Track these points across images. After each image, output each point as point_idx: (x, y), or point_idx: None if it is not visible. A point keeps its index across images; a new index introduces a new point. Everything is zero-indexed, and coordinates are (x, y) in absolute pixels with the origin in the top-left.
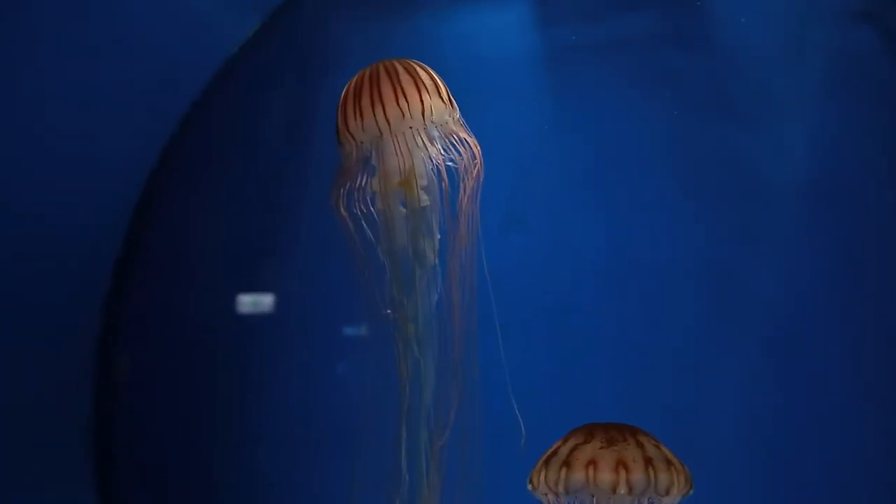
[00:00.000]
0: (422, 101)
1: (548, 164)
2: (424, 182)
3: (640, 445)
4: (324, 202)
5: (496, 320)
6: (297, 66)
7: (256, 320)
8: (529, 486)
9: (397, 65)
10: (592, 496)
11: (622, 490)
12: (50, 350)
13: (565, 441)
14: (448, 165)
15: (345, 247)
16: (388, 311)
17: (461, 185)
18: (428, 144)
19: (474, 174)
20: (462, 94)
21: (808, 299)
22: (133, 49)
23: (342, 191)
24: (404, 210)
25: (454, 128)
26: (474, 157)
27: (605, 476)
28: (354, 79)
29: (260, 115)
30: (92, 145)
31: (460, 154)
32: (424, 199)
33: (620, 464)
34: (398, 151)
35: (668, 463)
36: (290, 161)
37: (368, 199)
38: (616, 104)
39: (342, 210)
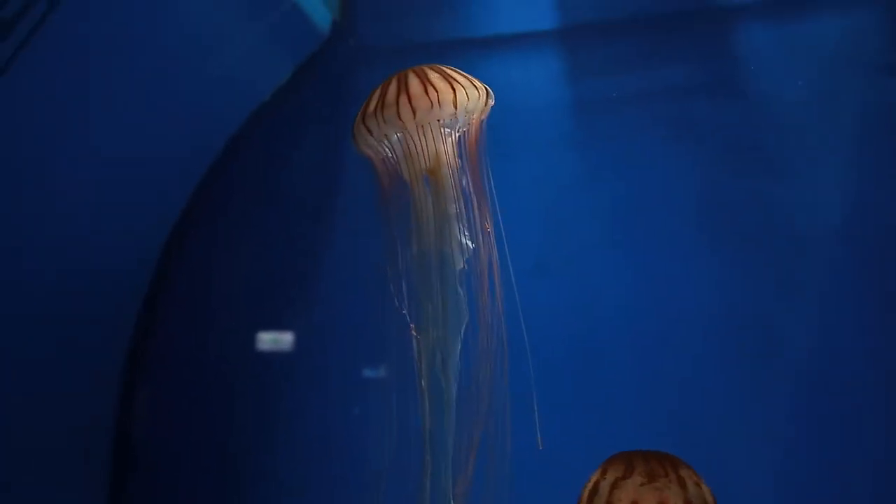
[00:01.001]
0: (454, 89)
1: (576, 213)
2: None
3: (681, 483)
4: (349, 247)
5: (531, 371)
6: (329, 113)
7: (278, 361)
8: None
9: (426, 67)
10: None
11: None
12: (74, 387)
13: (604, 474)
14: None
15: (368, 290)
16: (414, 331)
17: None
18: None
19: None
20: (492, 144)
21: (842, 348)
22: (168, 94)
23: (387, 192)
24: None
25: (481, 116)
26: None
27: None
28: (381, 84)
29: (289, 160)
30: (124, 187)
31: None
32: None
33: None
34: (424, 142)
35: None
36: (317, 206)
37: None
38: (645, 154)
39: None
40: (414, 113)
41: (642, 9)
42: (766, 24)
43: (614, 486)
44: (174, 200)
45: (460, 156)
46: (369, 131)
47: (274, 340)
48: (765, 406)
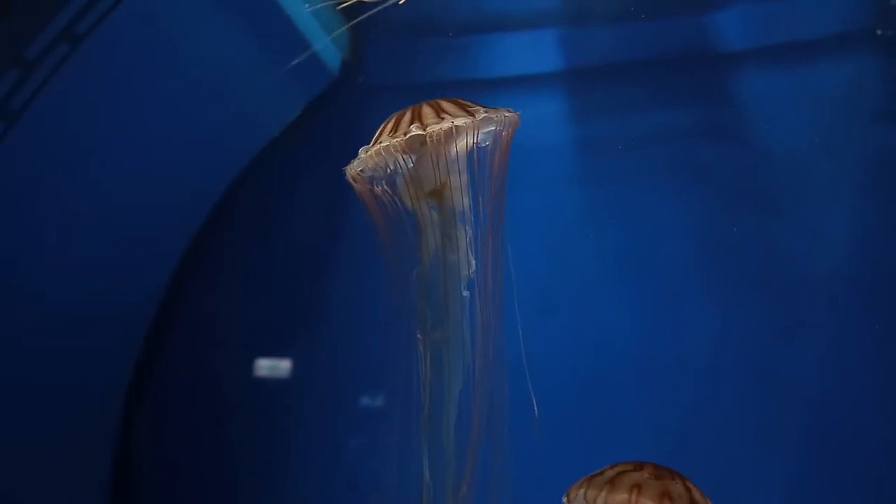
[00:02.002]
0: (470, 112)
1: (581, 251)
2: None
3: (687, 490)
4: (355, 282)
5: (536, 408)
6: (337, 150)
7: (280, 391)
8: (565, 499)
9: (438, 99)
10: None
11: None
12: (78, 412)
13: (613, 467)
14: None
15: (373, 323)
16: (420, 336)
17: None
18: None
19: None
20: None
21: (847, 390)
22: (183, 132)
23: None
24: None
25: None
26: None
27: (649, 501)
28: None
29: (297, 195)
30: (136, 218)
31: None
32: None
33: (666, 495)
34: (433, 162)
35: None
36: (323, 240)
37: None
38: (650, 195)
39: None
40: (424, 127)
41: (647, 54)
42: (770, 71)
43: (621, 473)
44: (184, 231)
45: (480, 173)
46: (368, 152)
47: (276, 371)
48: (770, 446)
